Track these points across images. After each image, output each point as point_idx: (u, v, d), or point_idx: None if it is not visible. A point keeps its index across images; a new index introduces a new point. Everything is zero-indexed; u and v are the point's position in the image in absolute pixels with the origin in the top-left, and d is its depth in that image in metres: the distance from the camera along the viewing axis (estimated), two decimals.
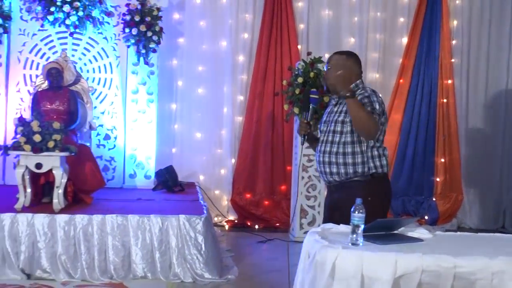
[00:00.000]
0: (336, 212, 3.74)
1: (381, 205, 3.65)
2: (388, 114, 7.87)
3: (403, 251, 2.65)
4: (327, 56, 7.66)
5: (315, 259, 2.69)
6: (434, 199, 7.98)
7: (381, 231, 3.04)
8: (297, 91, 6.85)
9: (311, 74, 6.85)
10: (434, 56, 7.97)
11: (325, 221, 3.81)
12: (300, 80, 6.87)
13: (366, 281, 2.58)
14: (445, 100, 8.02)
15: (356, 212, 2.79)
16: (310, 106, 3.81)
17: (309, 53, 7.16)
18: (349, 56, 3.83)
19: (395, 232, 3.14)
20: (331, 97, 3.89)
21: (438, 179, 8.02)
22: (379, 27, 8.08)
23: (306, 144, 4.04)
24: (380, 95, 3.74)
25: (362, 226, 2.78)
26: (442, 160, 8.00)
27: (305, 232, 5.38)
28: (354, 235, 2.77)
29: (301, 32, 7.94)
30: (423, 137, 7.99)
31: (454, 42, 8.11)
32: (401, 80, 8.05)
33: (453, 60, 8.06)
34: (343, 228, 3.09)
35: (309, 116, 3.76)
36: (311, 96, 3.84)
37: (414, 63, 8.01)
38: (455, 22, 8.11)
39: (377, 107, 3.61)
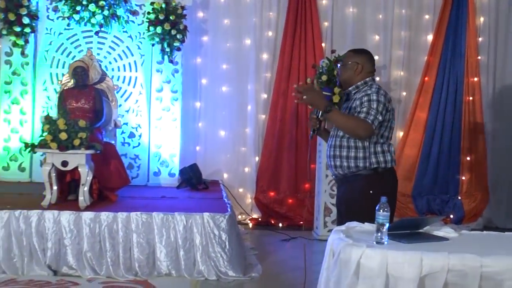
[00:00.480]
0: (342, 205, 3.86)
1: (383, 195, 3.66)
2: (412, 112, 7.88)
3: (429, 250, 2.63)
4: None
5: (339, 258, 2.68)
6: (459, 197, 7.90)
7: (406, 230, 3.02)
8: None
9: (335, 72, 6.82)
10: (460, 54, 7.88)
11: (337, 215, 4.03)
12: (324, 78, 6.85)
13: (391, 280, 2.56)
14: (471, 98, 7.93)
15: (381, 210, 2.77)
16: None
17: (333, 51, 7.14)
18: (360, 54, 3.92)
19: (420, 231, 3.11)
20: (345, 93, 3.98)
21: (463, 178, 7.94)
22: (404, 25, 8.01)
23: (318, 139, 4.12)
24: (385, 93, 3.75)
25: (387, 225, 2.76)
26: (468, 158, 7.92)
27: (329, 231, 5.36)
28: (379, 234, 2.75)
29: (325, 30, 7.90)
30: (448, 135, 7.91)
31: (480, 39, 8.01)
32: (426, 78, 7.98)
33: (479, 57, 7.96)
34: (368, 226, 3.08)
35: (320, 113, 3.81)
36: (324, 93, 3.93)
37: (439, 60, 7.93)
38: (481, 19, 8.01)
39: (375, 106, 3.63)
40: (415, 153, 7.92)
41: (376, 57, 7.79)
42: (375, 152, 3.71)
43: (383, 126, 3.71)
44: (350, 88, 3.86)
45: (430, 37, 8.02)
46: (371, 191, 3.59)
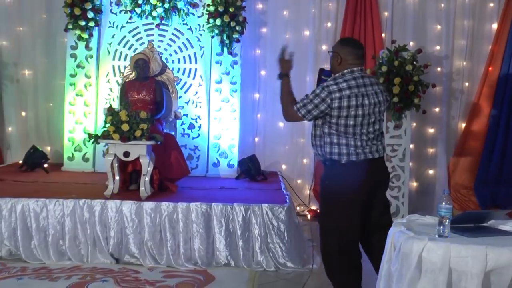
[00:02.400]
0: None
1: (337, 189, 3.83)
2: (476, 102, 7.67)
3: (494, 244, 2.56)
4: (412, 44, 7.55)
5: (401, 251, 2.65)
6: None
7: (470, 223, 2.96)
8: (381, 80, 6.73)
9: (396, 63, 6.72)
10: None
11: None
12: (384, 68, 6.75)
13: (454, 275, 2.52)
14: None
15: (443, 203, 2.72)
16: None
17: (393, 41, 7.02)
18: (344, 46, 4.03)
19: (484, 224, 3.04)
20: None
21: None
22: (467, 13, 7.79)
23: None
24: (338, 90, 3.80)
25: (450, 218, 2.71)
26: None
27: None
28: (441, 227, 2.70)
29: (385, 20, 7.77)
30: None
31: None
32: (490, 68, 7.75)
33: None
34: (430, 219, 3.04)
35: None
36: (322, 77, 4.14)
37: (504, 50, 7.67)
38: None
39: (311, 96, 3.83)
40: (478, 144, 7.72)
41: (437, 47, 7.76)
42: (331, 142, 3.86)
43: (333, 118, 3.79)
44: (328, 79, 4.00)
45: (494, 26, 7.78)
46: (326, 182, 3.90)
